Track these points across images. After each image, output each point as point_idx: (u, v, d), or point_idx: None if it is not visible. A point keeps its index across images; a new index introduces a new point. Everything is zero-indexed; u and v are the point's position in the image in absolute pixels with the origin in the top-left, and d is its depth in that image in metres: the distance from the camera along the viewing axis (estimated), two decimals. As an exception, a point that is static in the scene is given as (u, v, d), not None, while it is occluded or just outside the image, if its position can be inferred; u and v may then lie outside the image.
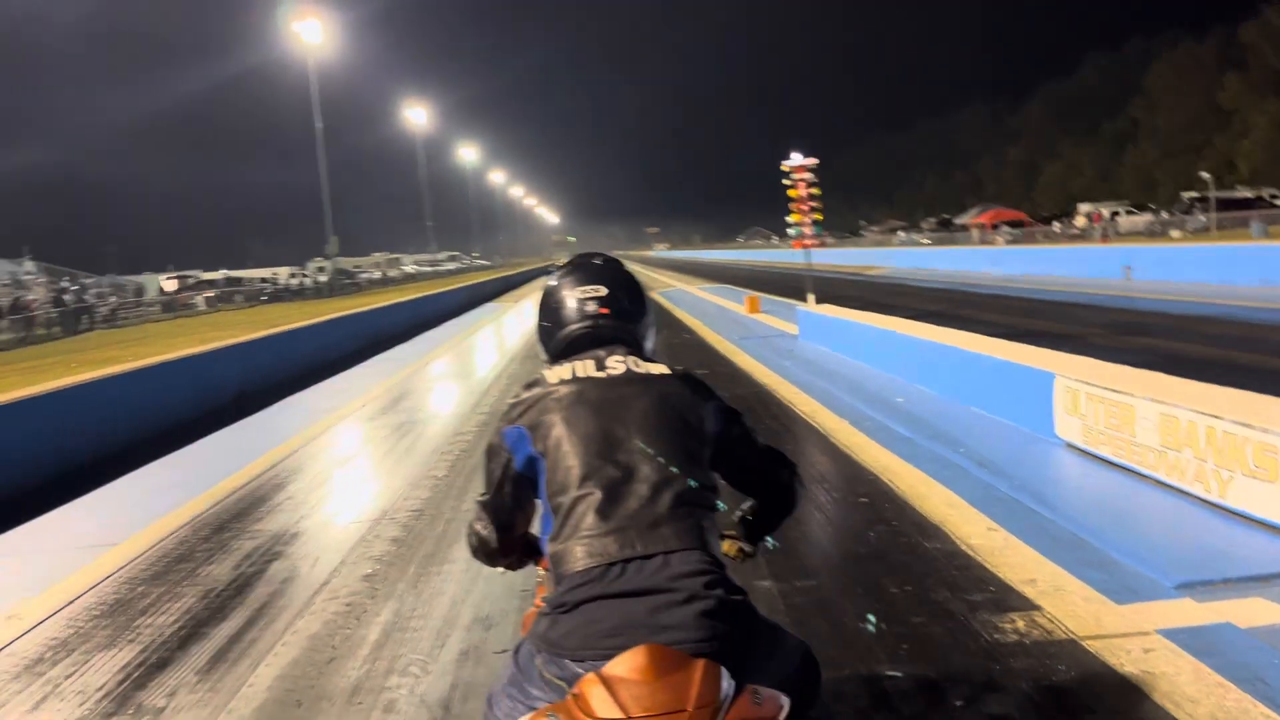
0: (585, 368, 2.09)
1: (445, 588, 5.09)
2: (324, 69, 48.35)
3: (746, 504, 2.35)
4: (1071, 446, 6.75)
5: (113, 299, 41.49)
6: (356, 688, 3.95)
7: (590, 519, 1.89)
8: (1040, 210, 68.41)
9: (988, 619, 4.14)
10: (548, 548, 1.97)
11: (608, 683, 1.64)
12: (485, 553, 2.20)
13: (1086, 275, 25.85)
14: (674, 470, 1.95)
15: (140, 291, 52.34)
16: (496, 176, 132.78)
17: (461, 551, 5.62)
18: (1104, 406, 6.30)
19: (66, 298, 34.84)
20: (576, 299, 2.21)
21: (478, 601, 4.83)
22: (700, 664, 1.67)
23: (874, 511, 5.86)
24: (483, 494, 2.15)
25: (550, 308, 2.26)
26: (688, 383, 2.12)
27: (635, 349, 2.20)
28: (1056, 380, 6.95)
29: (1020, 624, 4.06)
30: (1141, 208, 52.60)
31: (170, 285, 51.35)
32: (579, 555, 1.88)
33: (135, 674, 4.26)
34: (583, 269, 2.28)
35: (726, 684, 1.67)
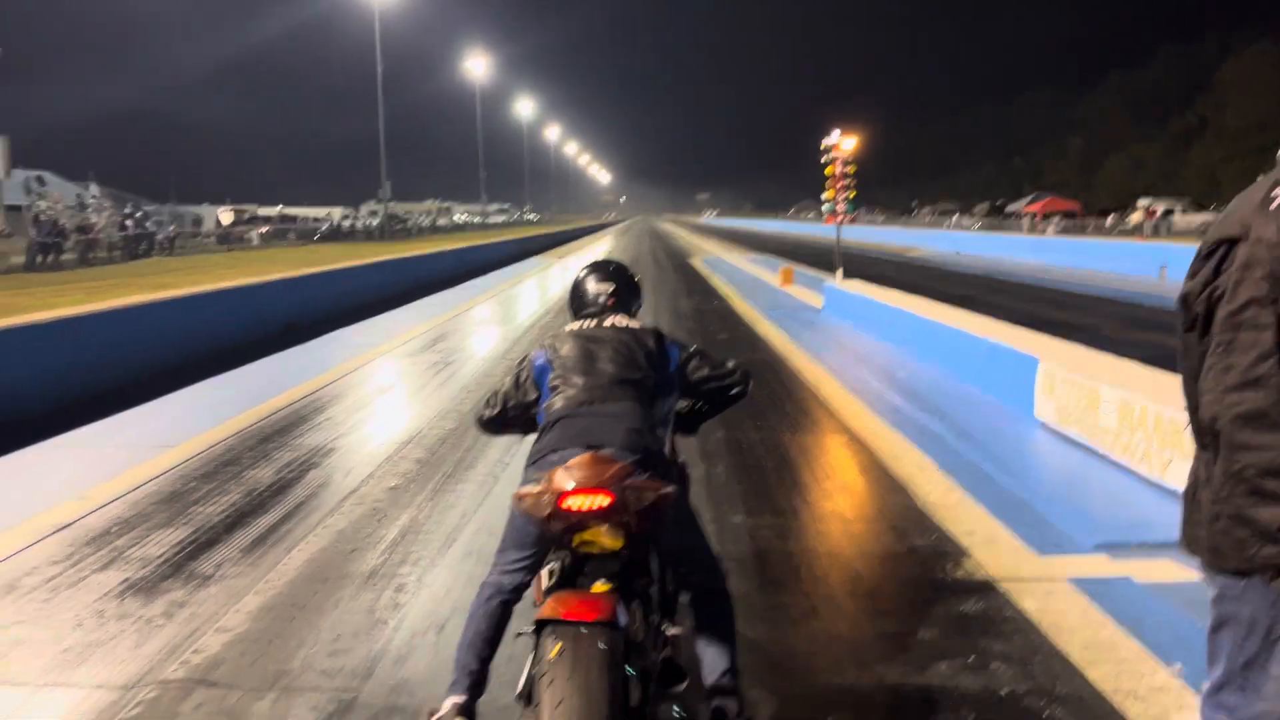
0: (590, 323, 3.22)
1: (458, 502, 5.78)
2: (389, 17, 48.80)
3: (688, 403, 3.36)
4: (1046, 426, 7.27)
5: (171, 227, 42.60)
6: (372, 573, 4.65)
7: (571, 388, 3.00)
8: (1099, 203, 67.40)
9: (922, 559, 4.74)
10: (543, 412, 3.05)
11: (565, 467, 2.66)
12: (492, 422, 3.33)
13: (1124, 271, 25.93)
14: (627, 372, 3.02)
15: (199, 222, 53.63)
16: (552, 132, 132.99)
17: (475, 473, 6.32)
18: (1075, 390, 6.82)
19: (128, 223, 35.85)
20: (593, 293, 3.36)
21: (484, 516, 5.52)
22: (623, 463, 2.69)
23: (852, 465, 6.45)
24: (501, 383, 3.28)
25: (577, 294, 3.42)
26: (653, 332, 3.21)
27: (628, 316, 3.32)
28: (1040, 365, 7.46)
29: (948, 565, 4.65)
30: (1202, 206, 51.76)
31: (227, 218, 52.31)
32: (560, 402, 2.99)
33: (188, 548, 4.99)
34: (600, 270, 3.43)
35: (639, 471, 2.70)
